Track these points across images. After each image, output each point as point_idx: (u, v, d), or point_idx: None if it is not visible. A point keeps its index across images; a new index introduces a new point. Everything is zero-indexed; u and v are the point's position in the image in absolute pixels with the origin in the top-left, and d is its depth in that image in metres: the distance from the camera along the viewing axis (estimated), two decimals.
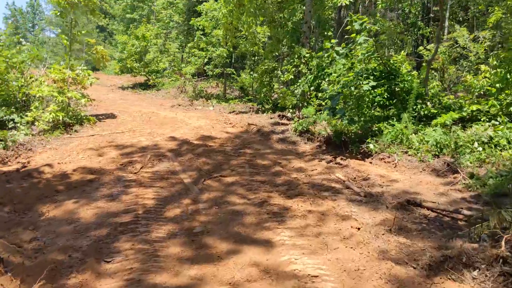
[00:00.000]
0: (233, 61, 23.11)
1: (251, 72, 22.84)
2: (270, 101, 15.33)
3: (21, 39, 12.63)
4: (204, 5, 20.25)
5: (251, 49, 19.52)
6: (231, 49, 20.44)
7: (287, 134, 11.26)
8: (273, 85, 15.46)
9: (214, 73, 20.83)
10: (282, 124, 12.36)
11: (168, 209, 6.48)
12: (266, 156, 9.50)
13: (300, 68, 13.14)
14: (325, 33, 13.75)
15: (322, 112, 11.15)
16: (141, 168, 8.41)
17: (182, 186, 7.50)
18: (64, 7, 11.70)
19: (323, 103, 11.77)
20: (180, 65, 26.01)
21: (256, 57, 22.04)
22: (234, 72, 21.91)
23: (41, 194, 7.03)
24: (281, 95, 12.77)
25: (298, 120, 11.24)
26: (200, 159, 9.07)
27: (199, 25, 21.75)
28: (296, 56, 13.33)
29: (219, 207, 6.56)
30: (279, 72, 14.45)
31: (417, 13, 25.10)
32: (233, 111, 16.54)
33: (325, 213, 6.34)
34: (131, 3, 43.13)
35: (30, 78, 12.41)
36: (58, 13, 11.75)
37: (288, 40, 13.88)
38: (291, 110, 12.85)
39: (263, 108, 16.35)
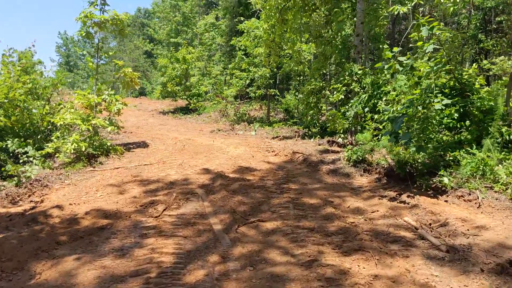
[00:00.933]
0: (277, 82, 21.75)
1: (296, 93, 21.36)
2: (317, 124, 13.69)
3: (42, 61, 11.83)
4: (245, 23, 19.12)
5: (296, 68, 18.09)
6: (275, 69, 19.09)
7: (338, 164, 9.55)
8: (321, 107, 13.85)
9: (257, 94, 19.52)
10: (333, 151, 10.67)
11: (189, 270, 4.98)
12: (314, 193, 7.85)
13: (351, 87, 11.48)
14: (380, 46, 12.06)
15: (381, 137, 9.38)
16: (164, 210, 7.02)
17: (211, 235, 6.00)
18: (91, 26, 10.79)
19: (381, 127, 10.00)
20: (223, 87, 25.01)
21: (302, 77, 20.55)
22: (278, 93, 20.51)
23: (38, 247, 5.75)
24: (330, 117, 11.12)
25: (351, 148, 9.52)
26: (236, 198, 7.57)
27: (241, 45, 20.66)
28: (347, 73, 11.70)
29: (255, 268, 4.99)
30: (327, 92, 12.85)
31: (477, 24, 22.83)
32: (277, 137, 15.03)
33: (397, 279, 4.63)
34: (175, 28, 43.27)
35: (59, 105, 11.56)
36: (84, 34, 10.86)
37: (337, 56, 12.30)
38: (342, 135, 11.14)
39: (309, 132, 14.73)
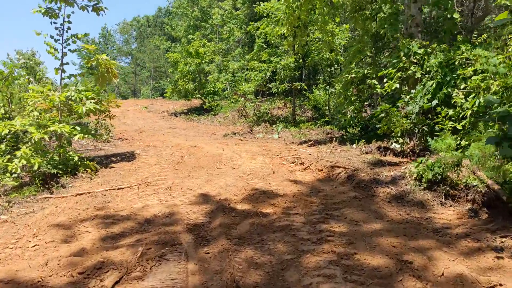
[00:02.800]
0: (303, 74, 18.52)
1: (327, 87, 18.10)
2: (359, 124, 10.44)
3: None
4: (264, 5, 15.97)
5: (326, 56, 14.89)
6: (300, 59, 15.91)
7: (403, 185, 6.32)
8: (364, 101, 10.58)
9: (280, 90, 16.37)
10: (389, 164, 7.44)
11: None
12: (375, 242, 4.68)
13: (409, 72, 8.21)
14: (448, 15, 8.74)
15: (477, 143, 6.13)
16: (115, 284, 4.01)
17: None
18: (53, 0, 7.94)
19: (460, 127, 6.75)
20: (242, 84, 21.98)
21: (334, 68, 17.26)
22: (306, 87, 17.32)
23: None
24: (381, 115, 7.90)
25: (422, 161, 6.26)
26: (243, 253, 4.51)
27: (260, 33, 17.57)
28: (402, 53, 8.43)
29: None
30: (373, 81, 9.61)
31: None
32: (306, 141, 11.88)
33: None
34: (193, 24, 40.54)
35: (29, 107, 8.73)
36: (44, 11, 7.98)
37: (389, 32, 9.01)
38: (400, 140, 7.87)
39: (347, 135, 11.51)
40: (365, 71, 9.53)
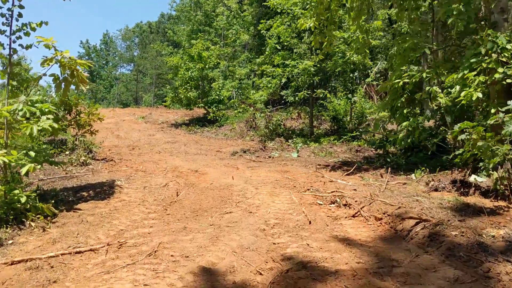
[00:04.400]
0: (321, 80, 16.12)
1: (349, 95, 15.71)
2: (409, 142, 7.95)
3: None
4: None
5: (353, 58, 12.51)
6: (322, 63, 13.53)
7: None
8: (420, 114, 8.08)
9: (297, 98, 13.97)
10: (483, 211, 4.97)
11: None
12: None
13: (496, 75, 5.78)
14: None
15: None
16: None
17: None
18: None
19: None
20: (250, 92, 19.61)
21: (360, 72, 14.81)
22: (328, 94, 14.90)
23: None
24: (461, 136, 5.46)
25: None
26: None
27: (271, 34, 15.20)
28: (483, 50, 6.01)
29: None
30: (435, 88, 7.16)
31: None
32: (339, 166, 9.46)
33: None
34: (196, 28, 38.29)
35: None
36: None
37: (460, 21, 6.50)
38: (493, 173, 5.40)
39: (389, 158, 9.08)
40: (424, 75, 7.10)
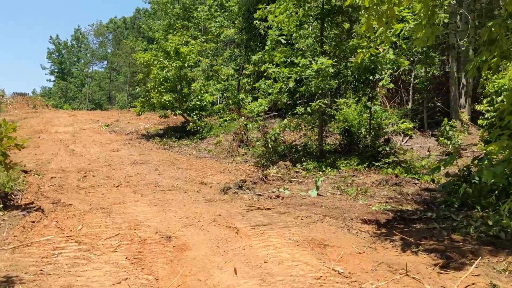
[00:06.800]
0: (340, 84, 12.64)
1: (368, 103, 12.32)
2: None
3: None
4: None
5: (391, 56, 9.15)
6: (343, 63, 10.08)
7: None
8: None
9: (313, 107, 10.47)
10: None
11: None
12: None
13: None
14: None
15: None
16: None
17: None
18: None
19: None
20: (238, 96, 16.00)
21: (381, 75, 11.38)
22: (347, 101, 11.49)
23: None
24: None
25: None
26: None
27: (269, 24, 11.67)
28: None
29: None
30: None
31: None
32: (394, 220, 6.03)
33: None
34: (174, 22, 34.43)
35: None
36: None
37: None
38: None
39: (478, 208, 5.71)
40: None
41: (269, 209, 6.93)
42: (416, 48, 13.98)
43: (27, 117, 20.49)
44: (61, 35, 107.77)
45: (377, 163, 10.02)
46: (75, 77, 72.25)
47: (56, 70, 73.43)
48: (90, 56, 74.68)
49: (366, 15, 5.36)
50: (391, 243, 5.19)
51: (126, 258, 4.65)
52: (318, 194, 8.02)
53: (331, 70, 9.67)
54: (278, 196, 7.89)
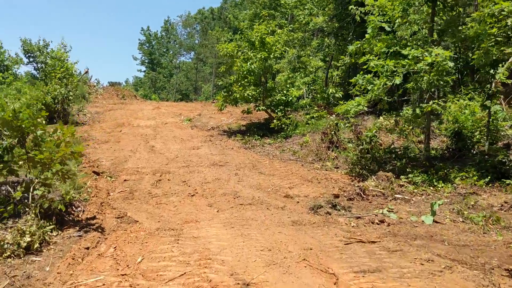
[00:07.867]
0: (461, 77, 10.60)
1: (487, 102, 10.18)
2: None
3: None
4: None
5: None
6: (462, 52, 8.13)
7: None
8: None
9: (421, 110, 8.67)
10: None
11: None
12: None
13: None
14: None
15: None
16: None
17: None
18: None
19: None
20: (327, 91, 14.45)
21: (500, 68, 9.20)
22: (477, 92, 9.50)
23: None
24: None
25: None
26: None
27: (372, 5, 9.93)
28: None
29: None
30: None
31: None
32: None
33: None
34: (259, 11, 33.43)
35: None
36: None
37: None
38: None
39: None
40: None
41: (373, 242, 5.43)
42: None
43: (112, 109, 20.68)
44: (152, 27, 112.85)
45: (507, 181, 7.96)
46: (164, 67, 74.75)
47: (146, 61, 76.65)
48: (178, 47, 76.83)
49: None
50: None
51: None
52: (434, 220, 6.33)
53: (450, 64, 7.79)
54: (382, 221, 6.33)
